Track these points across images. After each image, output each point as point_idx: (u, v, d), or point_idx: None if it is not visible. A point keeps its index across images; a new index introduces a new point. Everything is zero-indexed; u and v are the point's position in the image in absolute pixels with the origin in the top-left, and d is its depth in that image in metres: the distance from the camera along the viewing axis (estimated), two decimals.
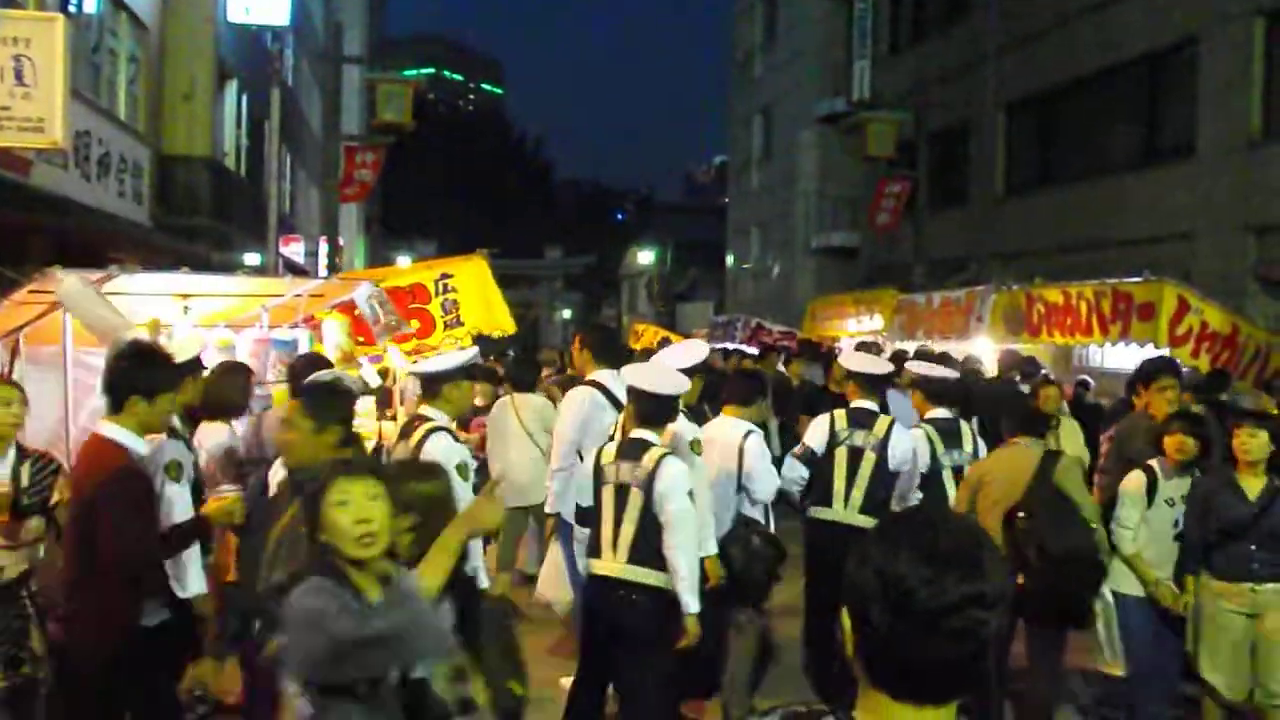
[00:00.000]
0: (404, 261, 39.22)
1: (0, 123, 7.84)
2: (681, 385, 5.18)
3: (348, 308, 8.97)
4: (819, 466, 6.29)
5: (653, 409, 5.03)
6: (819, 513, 6.29)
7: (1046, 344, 11.35)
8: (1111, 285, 9.99)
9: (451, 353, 5.10)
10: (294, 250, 24.62)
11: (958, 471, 6.17)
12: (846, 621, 1.63)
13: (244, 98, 20.87)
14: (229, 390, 6.06)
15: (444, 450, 4.64)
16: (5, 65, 7.74)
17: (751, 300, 32.19)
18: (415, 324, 9.63)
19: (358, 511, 2.92)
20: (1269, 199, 13.77)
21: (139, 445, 4.26)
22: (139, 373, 4.31)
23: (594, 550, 5.07)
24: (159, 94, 16.51)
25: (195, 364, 5.55)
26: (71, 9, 12.57)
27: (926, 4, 24.08)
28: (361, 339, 9.15)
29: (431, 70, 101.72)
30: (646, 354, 8.14)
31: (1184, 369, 9.91)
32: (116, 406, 4.29)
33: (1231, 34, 14.45)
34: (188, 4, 16.88)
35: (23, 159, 10.85)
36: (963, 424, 6.51)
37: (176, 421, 5.25)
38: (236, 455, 5.77)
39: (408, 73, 22.38)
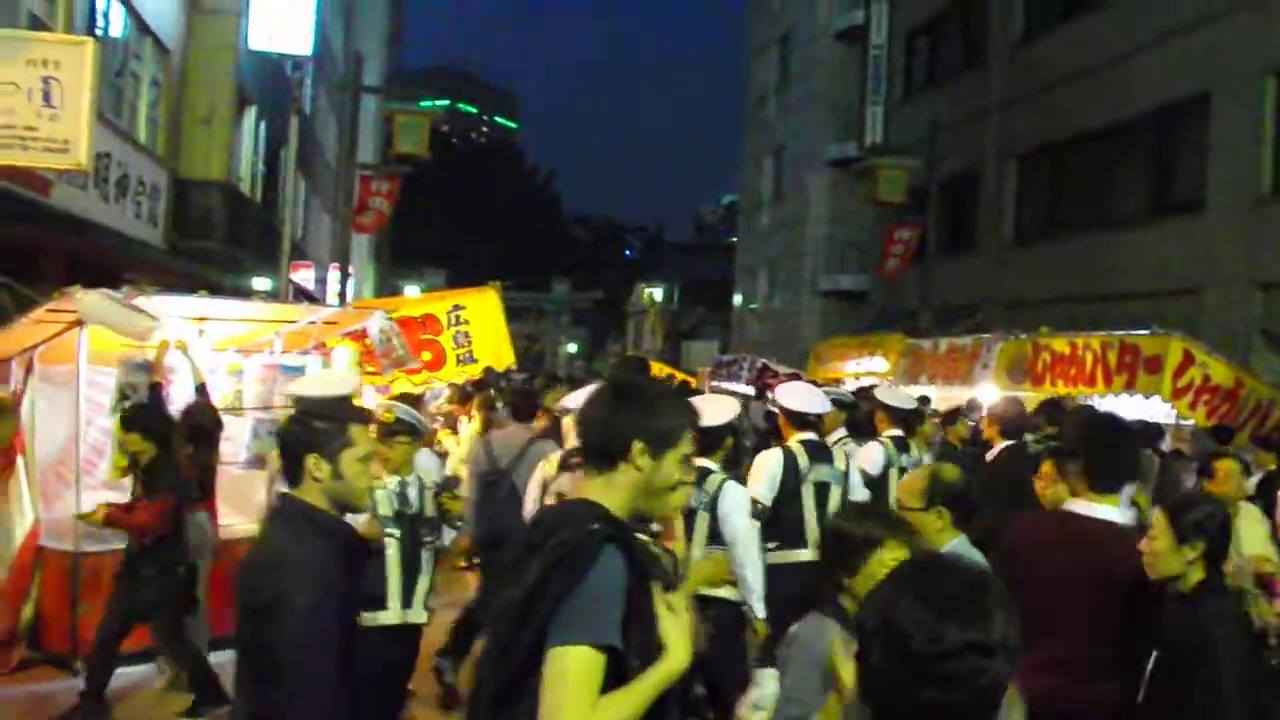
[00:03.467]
0: (412, 290, 39.39)
1: (26, 143, 7.94)
2: (729, 413, 5.36)
3: (359, 336, 9.05)
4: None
5: (707, 439, 5.12)
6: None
7: (1050, 394, 11.39)
8: (1119, 337, 10.04)
9: None
10: (304, 276, 24.77)
11: (902, 470, 7.07)
12: (854, 669, 1.68)
13: (262, 124, 21.06)
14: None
15: None
16: (34, 86, 7.85)
17: (757, 340, 32.26)
18: (427, 355, 9.69)
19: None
20: (1277, 255, 13.84)
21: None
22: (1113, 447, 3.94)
23: None
24: (178, 118, 16.69)
25: None
26: (98, 32, 12.75)
27: (940, 52, 24.32)
28: (371, 369, 9.22)
29: (446, 102, 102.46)
30: None
31: (1184, 422, 10.00)
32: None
33: (1242, 91, 14.57)
34: (211, 30, 17.08)
35: (43, 178, 10.97)
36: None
37: None
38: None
39: (424, 104, 22.58)
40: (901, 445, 7.35)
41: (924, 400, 13.37)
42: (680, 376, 20.83)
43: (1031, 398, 11.46)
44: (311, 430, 3.15)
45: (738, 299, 37.20)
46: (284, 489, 3.25)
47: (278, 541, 3.04)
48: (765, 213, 34.51)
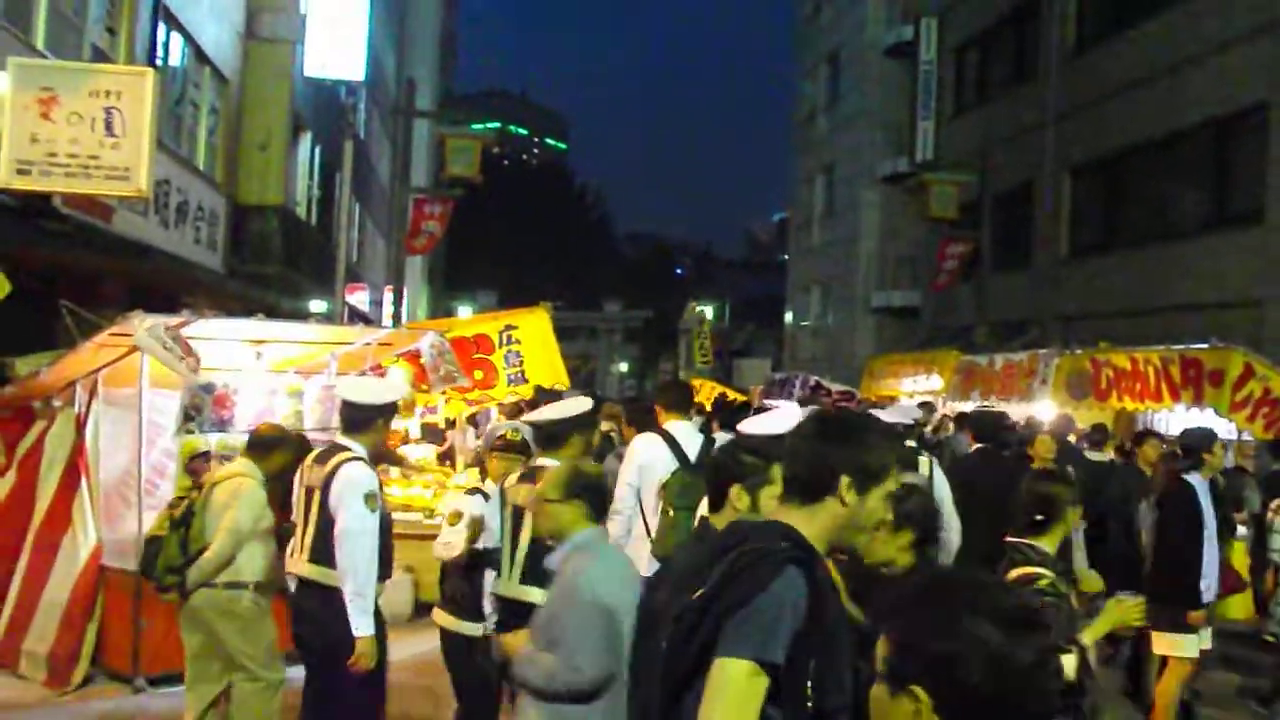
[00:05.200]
0: (465, 311, 39.75)
1: (89, 171, 8.14)
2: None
3: (413, 357, 9.15)
4: None
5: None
6: None
7: (1115, 409, 11.25)
8: (1179, 351, 9.91)
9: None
10: (359, 299, 25.06)
11: None
12: (925, 699, 1.64)
13: (317, 149, 21.38)
14: None
15: None
16: (97, 116, 8.06)
17: (809, 358, 32.11)
18: (479, 374, 9.78)
19: None
20: None
21: None
22: None
23: None
24: (236, 144, 16.99)
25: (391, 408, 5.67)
26: (158, 62, 13.04)
27: (991, 66, 24.14)
28: (425, 388, 9.32)
29: (497, 124, 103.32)
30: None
31: (1244, 435, 9.84)
32: None
33: None
34: (267, 58, 17.39)
35: (106, 205, 11.22)
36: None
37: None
38: None
39: (475, 127, 22.82)
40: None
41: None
42: (732, 395, 20.79)
43: (1090, 415, 11.37)
44: (739, 462, 3.37)
45: (789, 316, 37.06)
46: None
47: (684, 564, 3.17)
48: (816, 229, 34.40)
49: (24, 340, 8.15)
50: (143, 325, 6.63)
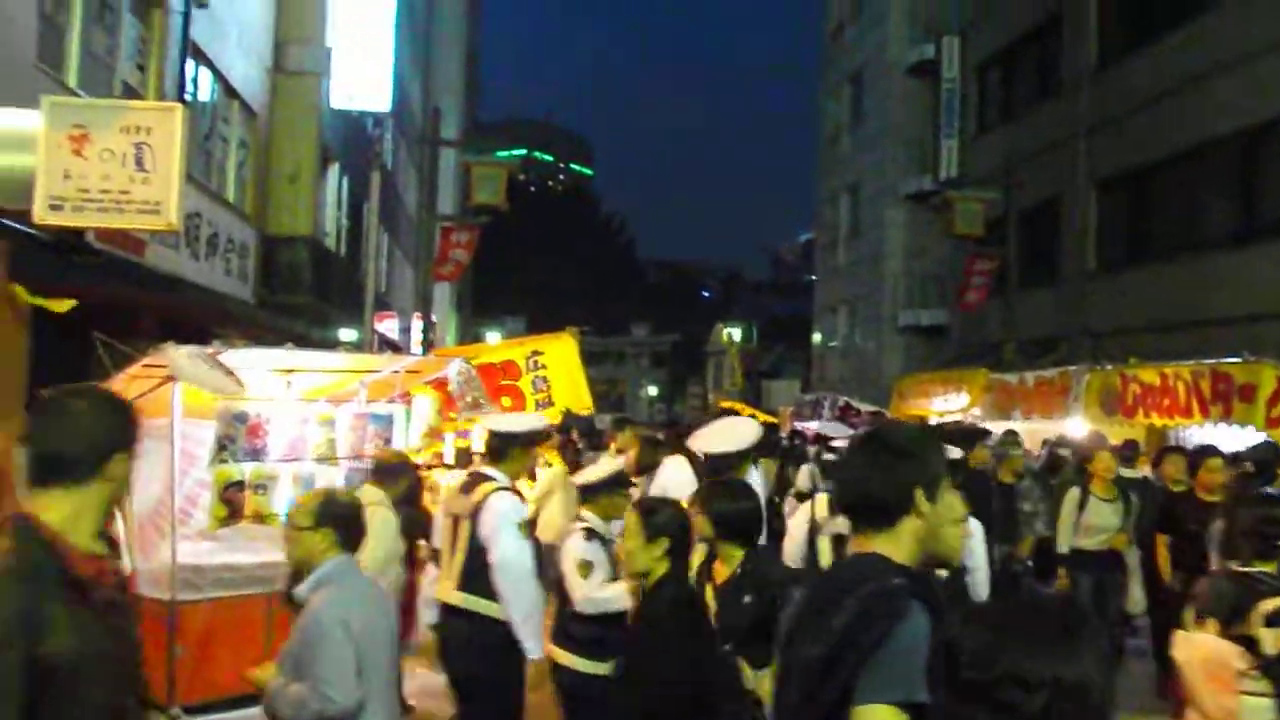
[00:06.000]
0: (494, 338, 39.91)
1: (121, 206, 8.24)
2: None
3: (441, 384, 9.20)
4: None
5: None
6: None
7: (1144, 425, 11.14)
8: (1210, 366, 9.80)
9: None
10: (388, 326, 25.23)
11: None
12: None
13: (345, 180, 21.59)
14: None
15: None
16: (127, 152, 8.16)
17: (838, 378, 32.03)
18: (507, 400, 9.81)
19: None
20: None
21: None
22: None
23: None
24: (265, 177, 17.19)
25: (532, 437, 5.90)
26: (187, 97, 13.24)
27: (1014, 82, 24.10)
28: (453, 415, 9.36)
29: (523, 151, 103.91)
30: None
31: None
32: None
33: None
34: (295, 91, 17.61)
35: (138, 239, 11.38)
36: None
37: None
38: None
39: (500, 154, 22.97)
40: None
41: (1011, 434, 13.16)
42: (762, 417, 20.76)
43: (1121, 432, 11.27)
44: None
45: (817, 337, 37.01)
46: None
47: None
48: (842, 249, 34.37)
49: (58, 373, 8.25)
50: (180, 353, 6.72)
